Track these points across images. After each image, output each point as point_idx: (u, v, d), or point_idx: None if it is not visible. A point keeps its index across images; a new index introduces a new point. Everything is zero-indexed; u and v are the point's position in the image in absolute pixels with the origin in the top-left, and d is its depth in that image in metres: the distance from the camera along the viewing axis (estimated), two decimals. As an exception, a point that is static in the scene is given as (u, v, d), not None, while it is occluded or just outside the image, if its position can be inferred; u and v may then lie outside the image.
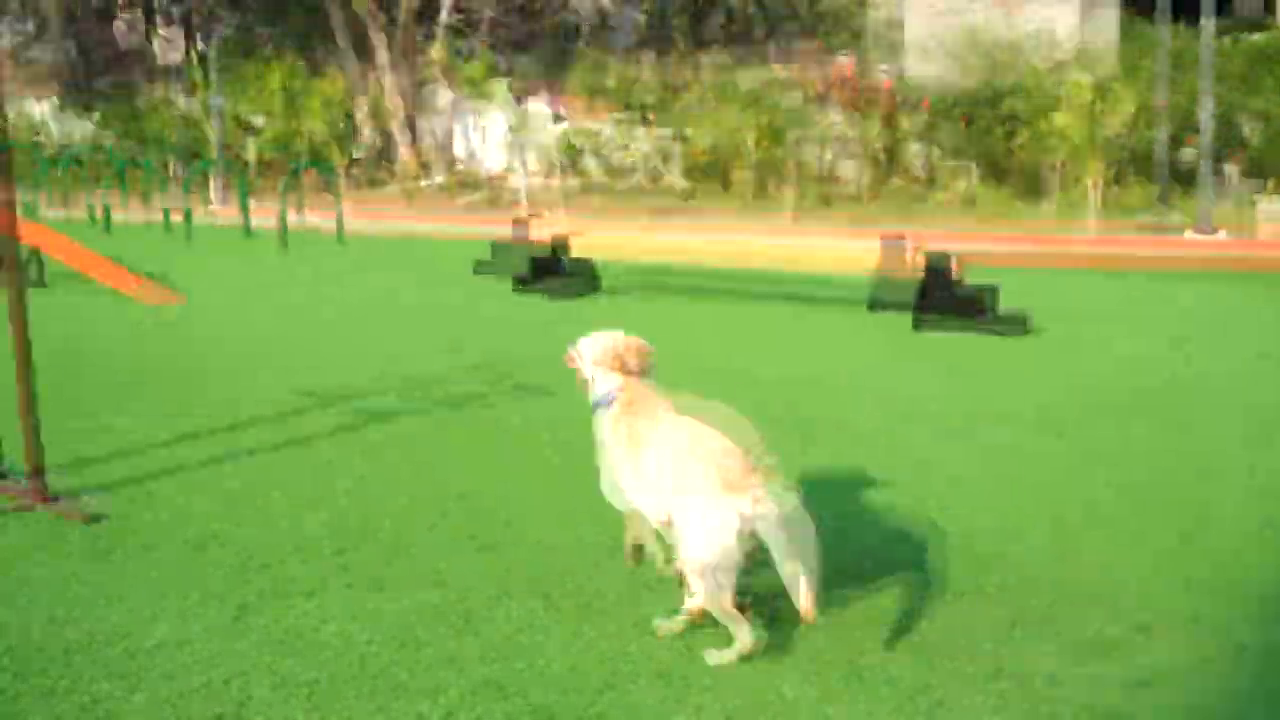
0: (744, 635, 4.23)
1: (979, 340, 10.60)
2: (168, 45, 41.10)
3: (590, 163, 25.98)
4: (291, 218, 18.84)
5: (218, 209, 24.15)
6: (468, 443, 7.29)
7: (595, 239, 14.29)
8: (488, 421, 7.82)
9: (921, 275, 11.32)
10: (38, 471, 6.15)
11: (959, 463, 6.80)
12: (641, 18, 32.77)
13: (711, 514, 4.20)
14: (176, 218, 20.55)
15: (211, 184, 25.67)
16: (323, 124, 23.51)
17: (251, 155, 25.72)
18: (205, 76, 26.69)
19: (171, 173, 26.29)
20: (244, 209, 19.99)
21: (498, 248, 14.74)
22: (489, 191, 26.49)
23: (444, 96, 28.90)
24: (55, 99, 37.45)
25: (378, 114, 27.74)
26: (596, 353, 4.86)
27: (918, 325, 11.09)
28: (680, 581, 4.49)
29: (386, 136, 29.20)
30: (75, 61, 39.16)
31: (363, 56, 29.90)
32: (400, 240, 19.85)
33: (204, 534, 5.67)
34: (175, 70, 38.26)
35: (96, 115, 37.28)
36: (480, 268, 14.83)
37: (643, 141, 25.78)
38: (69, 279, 14.17)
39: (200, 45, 38.63)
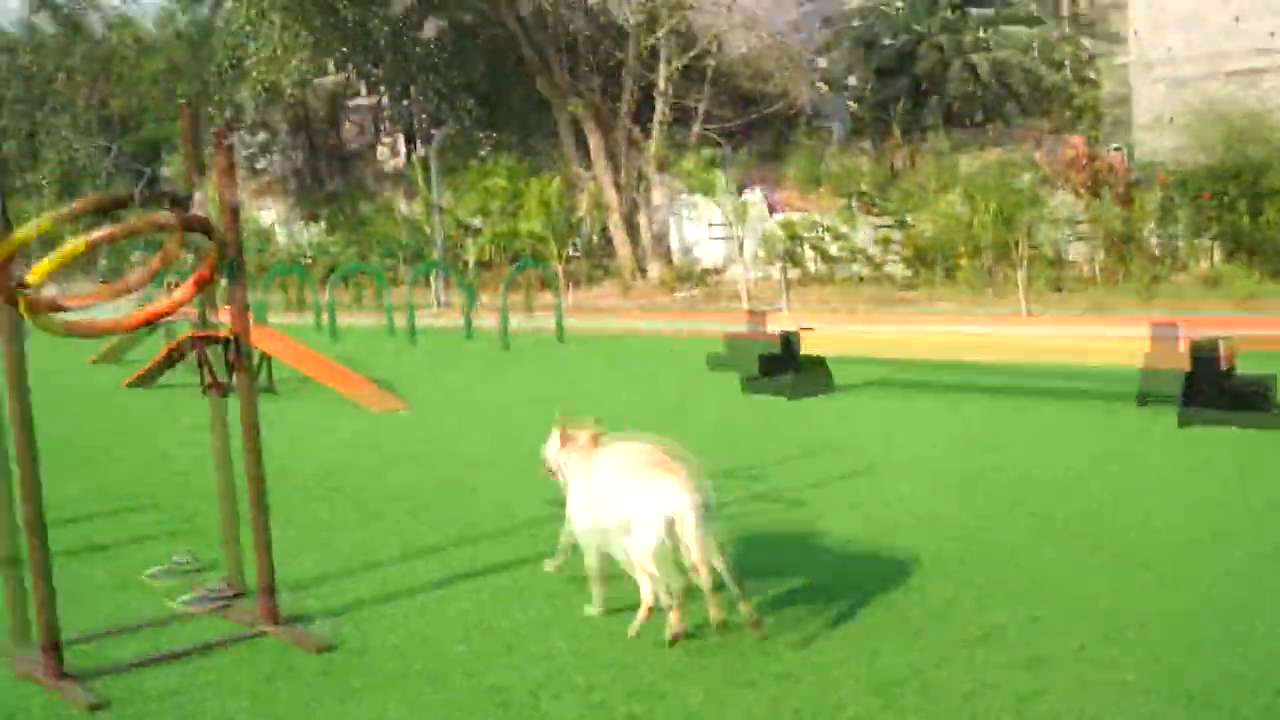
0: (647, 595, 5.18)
1: (1263, 437, 9.56)
2: (390, 150, 42.29)
3: (809, 253, 25.47)
4: (513, 318, 18.76)
5: (440, 310, 24.38)
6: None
7: (830, 333, 13.67)
8: (738, 532, 7.26)
9: (1188, 365, 10.35)
10: (269, 592, 5.84)
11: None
12: (855, 104, 32.33)
13: (642, 495, 5.13)
14: (400, 320, 20.74)
15: (434, 285, 25.97)
16: (541, 222, 23.57)
17: (472, 256, 25.97)
18: (426, 179, 27.15)
19: (395, 275, 26.69)
20: (466, 310, 20.03)
21: (733, 343, 14.22)
22: (707, 285, 26.17)
23: (660, 191, 28.82)
24: (283, 206, 38.88)
25: (595, 210, 27.81)
26: (551, 450, 5.95)
27: (1185, 421, 10.11)
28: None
29: (604, 232, 29.25)
30: (303, 169, 40.61)
31: (579, 153, 30.11)
32: (620, 337, 19.57)
33: (444, 664, 5.24)
34: (398, 175, 39.33)
35: (322, 221, 38.53)
36: (714, 361, 14.39)
37: (862, 230, 25.18)
38: (297, 383, 14.24)
39: (420, 149, 39.65)
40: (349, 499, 8.69)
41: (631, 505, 5.15)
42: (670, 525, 5.03)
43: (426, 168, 27.38)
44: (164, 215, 5.31)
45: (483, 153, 33.72)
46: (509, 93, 31.72)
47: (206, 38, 39.00)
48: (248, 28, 33.51)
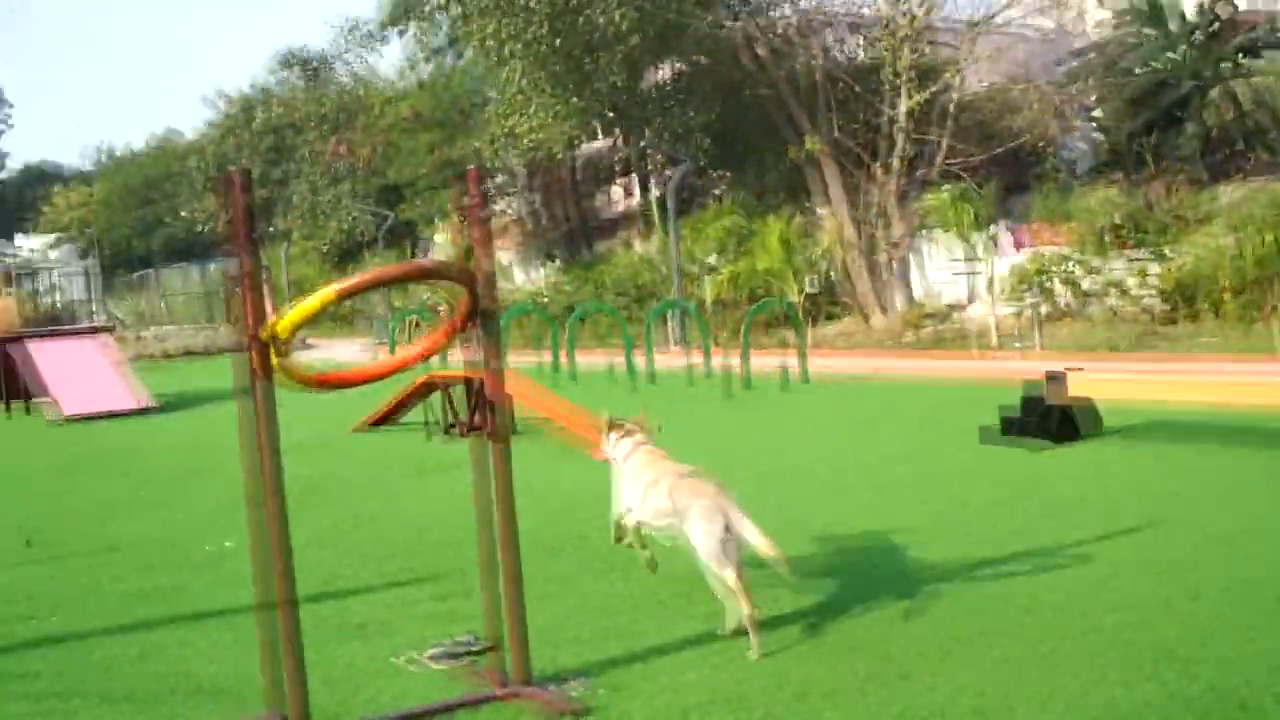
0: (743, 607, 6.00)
1: None
2: (623, 191, 42.60)
3: (1059, 288, 24.42)
4: (753, 357, 18.37)
5: (677, 349, 24.19)
6: (1030, 654, 6.22)
7: (1098, 376, 12.64)
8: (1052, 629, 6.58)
9: None
10: (520, 653, 5.60)
11: None
12: (1102, 135, 31.02)
13: (701, 512, 6.21)
14: (638, 360, 20.61)
15: (669, 325, 25.82)
16: (779, 260, 23.19)
17: (709, 295, 25.73)
18: (662, 219, 27.09)
19: (630, 315, 26.64)
20: (705, 349, 19.76)
21: (1028, 401, 12.01)
22: (949, 322, 25.36)
23: (899, 227, 28.13)
24: (519, 246, 39.50)
25: (832, 250, 27.29)
26: (611, 438, 7.15)
27: None
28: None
29: (841, 271, 28.71)
30: (539, 210, 41.22)
31: (816, 190, 29.67)
32: (863, 378, 18.95)
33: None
34: (630, 215, 39.57)
35: (557, 260, 38.99)
36: (1007, 420, 12.18)
37: (1115, 264, 24.02)
38: (536, 426, 14.14)
39: (654, 189, 39.80)
40: (583, 548, 8.45)
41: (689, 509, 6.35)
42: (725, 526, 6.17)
43: (663, 207, 27.31)
44: (429, 263, 5.12)
45: (716, 191, 33.61)
46: (743, 131, 31.48)
47: (447, 86, 40.01)
48: (488, 75, 34.30)
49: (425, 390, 15.21)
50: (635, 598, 7.10)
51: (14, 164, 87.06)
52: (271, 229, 55.80)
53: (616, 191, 42.99)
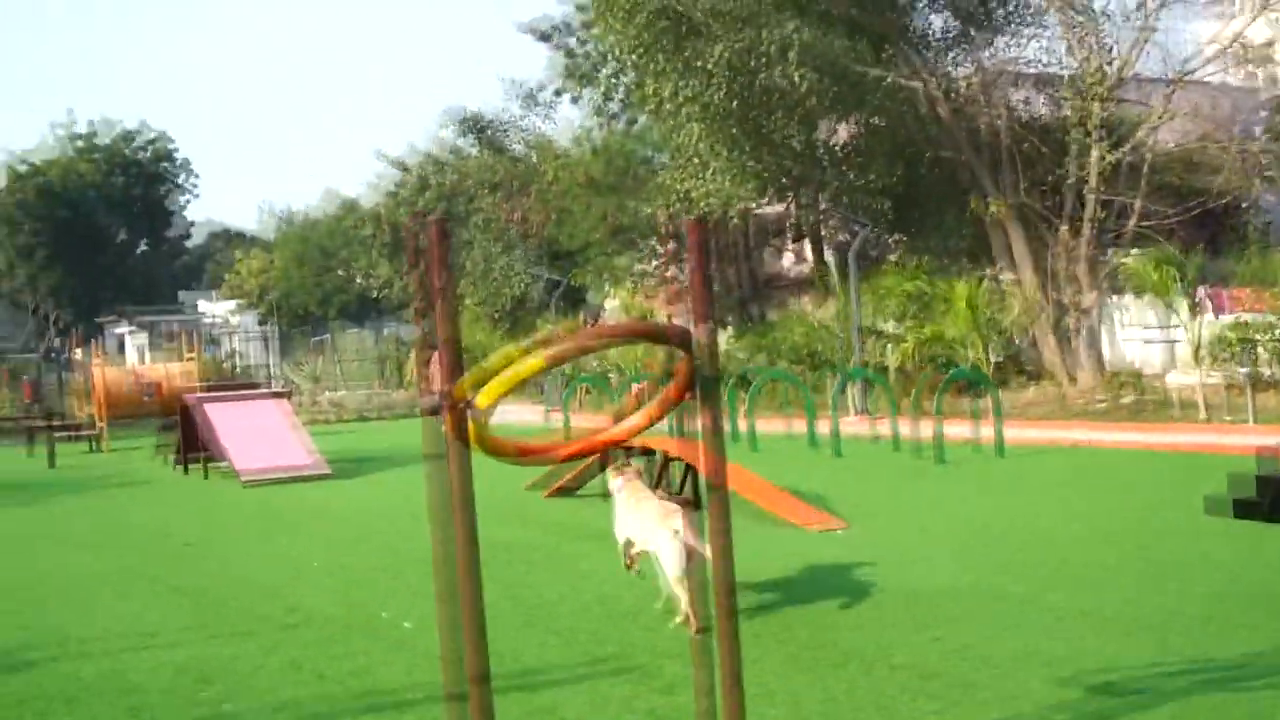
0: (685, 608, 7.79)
1: None
2: (795, 256, 41.94)
3: (1263, 355, 22.97)
4: (940, 429, 17.47)
5: (859, 418, 23.36)
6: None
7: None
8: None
9: None
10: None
11: None
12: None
13: (666, 534, 7.95)
14: (820, 429, 19.88)
15: (849, 393, 25.01)
16: (966, 328, 22.22)
17: (893, 362, 24.86)
18: (843, 284, 26.35)
19: (808, 383, 25.87)
20: (893, 419, 18.95)
21: (1264, 481, 10.98)
22: (1145, 392, 24.06)
23: (1090, 293, 26.96)
24: (688, 314, 39.05)
25: (1020, 315, 26.20)
26: (609, 474, 9.07)
27: None
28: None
29: (1027, 336, 27.60)
30: (711, 275, 40.72)
31: (1002, 254, 28.67)
32: (1061, 450, 17.89)
33: None
34: (804, 280, 38.87)
35: (729, 327, 38.44)
36: (1241, 502, 11.12)
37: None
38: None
39: (826, 253, 39.06)
40: (788, 638, 7.75)
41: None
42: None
43: (842, 272, 26.57)
44: (646, 325, 4.55)
45: (892, 256, 32.71)
46: (922, 192, 30.65)
47: (620, 150, 39.95)
48: (662, 139, 34.12)
49: (605, 456, 14.70)
50: (858, 699, 6.39)
51: (193, 216, 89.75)
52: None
53: (789, 256, 42.36)
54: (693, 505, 8.47)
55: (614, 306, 45.11)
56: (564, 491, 15.18)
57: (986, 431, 17.93)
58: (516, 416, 34.44)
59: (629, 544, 8.55)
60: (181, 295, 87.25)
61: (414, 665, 7.60)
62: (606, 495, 9.19)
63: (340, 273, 76.47)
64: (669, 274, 41.03)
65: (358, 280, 74.45)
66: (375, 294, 67.66)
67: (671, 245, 40.47)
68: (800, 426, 20.73)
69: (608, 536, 11.69)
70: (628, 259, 39.38)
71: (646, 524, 8.21)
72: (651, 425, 5.27)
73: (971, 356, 22.62)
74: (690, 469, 13.53)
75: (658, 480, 13.60)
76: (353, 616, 9.15)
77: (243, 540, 13.46)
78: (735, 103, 27.07)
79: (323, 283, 77.58)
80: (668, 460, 13.50)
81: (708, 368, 4.91)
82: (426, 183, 60.58)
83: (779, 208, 38.39)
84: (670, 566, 7.89)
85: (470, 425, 4.40)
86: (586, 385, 32.55)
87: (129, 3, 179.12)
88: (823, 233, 38.23)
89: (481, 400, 4.44)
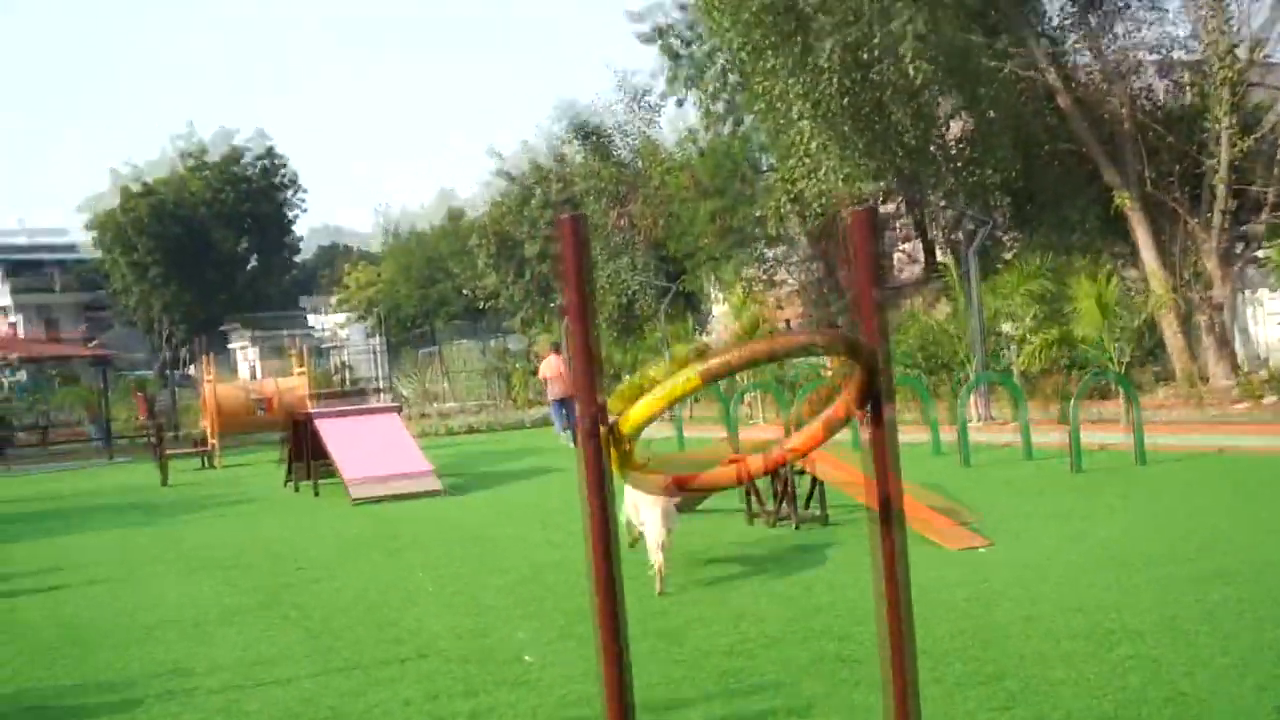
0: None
1: None
2: (906, 256, 40.96)
3: None
4: (1076, 435, 16.57)
5: (983, 424, 22.47)
6: None
7: None
8: None
9: None
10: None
11: None
12: None
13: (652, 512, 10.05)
14: (944, 436, 19.09)
15: (973, 398, 24.11)
16: (1096, 328, 21.19)
17: (1019, 365, 23.88)
18: (961, 284, 25.43)
19: (928, 388, 24.99)
20: (1023, 426, 18.08)
21: None
22: (1286, 390, 22.87)
23: (1223, 287, 25.79)
24: (799, 319, 38.28)
25: (1150, 312, 25.07)
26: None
27: None
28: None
29: (1153, 334, 26.46)
30: (820, 281, 39.94)
31: (1127, 248, 27.60)
32: (1206, 455, 16.85)
33: None
34: (917, 283, 37.91)
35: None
36: None
37: None
38: (847, 512, 12.86)
39: (939, 253, 38.03)
40: (949, 673, 7.08)
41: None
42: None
43: (963, 272, 25.64)
44: (814, 335, 3.96)
45: (1006, 255, 31.62)
46: (1041, 187, 29.63)
47: (728, 153, 39.30)
48: (771, 140, 33.41)
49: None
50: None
51: (303, 227, 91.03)
52: (553, 305, 56.19)
53: (900, 257, 41.37)
54: (672, 495, 9.63)
55: (721, 312, 44.41)
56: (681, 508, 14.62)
57: (1114, 438, 16.97)
58: (649, 430, 33.90)
59: (629, 523, 10.78)
60: (303, 301, 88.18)
61: (539, 707, 7.07)
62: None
63: (447, 284, 76.76)
64: (777, 278, 40.27)
65: (464, 292, 74.66)
66: (481, 304, 67.67)
67: (781, 248, 39.73)
68: (918, 434, 19.94)
69: (750, 554, 11.13)
70: (735, 263, 38.68)
71: (641, 508, 10.31)
72: (816, 447, 4.65)
73: (1103, 357, 21.55)
74: (817, 482, 12.90)
75: (780, 499, 12.98)
76: (471, 648, 8.65)
77: (356, 562, 13.04)
78: (846, 99, 26.35)
79: (429, 294, 77.95)
80: (815, 483, 12.90)
81: (882, 383, 4.27)
82: (531, 191, 60.49)
83: (889, 207, 37.47)
84: (653, 538, 10.04)
85: (614, 456, 3.85)
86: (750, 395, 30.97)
87: (243, 9, 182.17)
88: (932, 233, 37.28)
89: (626, 423, 3.89)
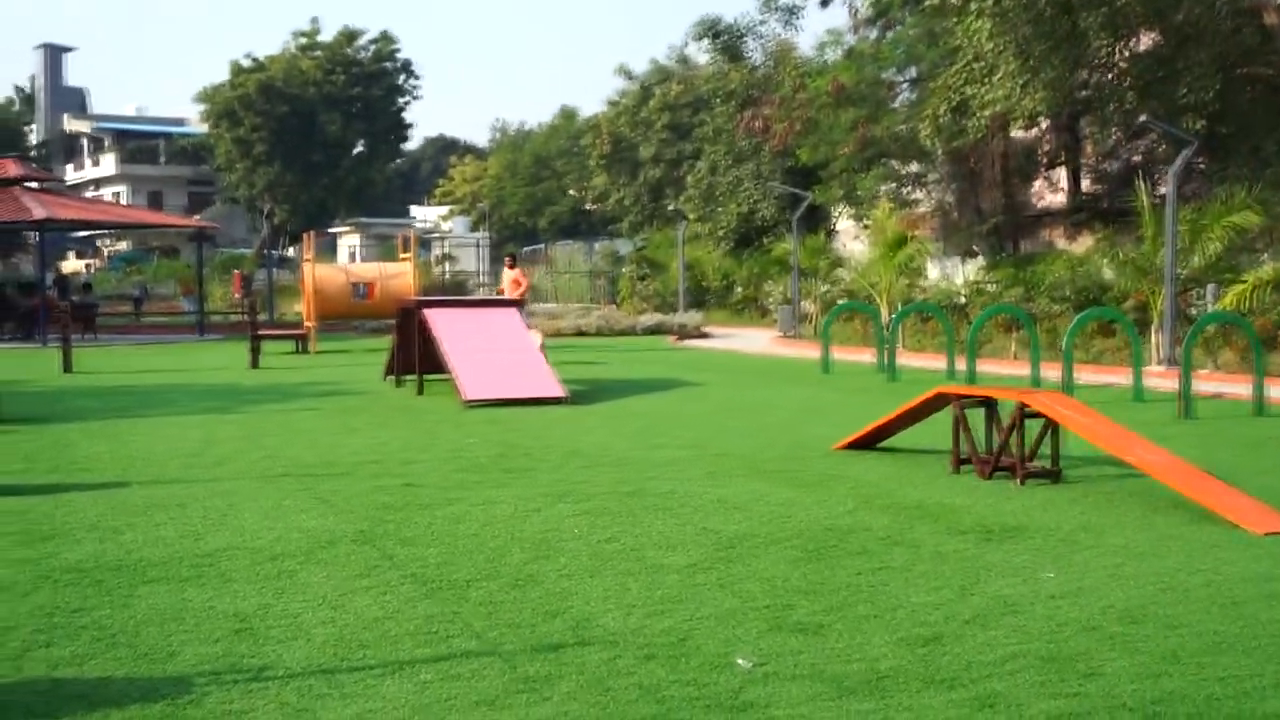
0: None
1: None
2: (1047, 186, 37.60)
3: None
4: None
5: (1166, 370, 19.69)
6: None
7: None
8: None
9: None
10: None
11: None
12: None
13: None
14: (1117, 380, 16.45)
15: (1154, 341, 21.32)
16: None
17: (1225, 306, 20.85)
18: (1153, 214, 22.43)
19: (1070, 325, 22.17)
20: (1259, 376, 15.31)
21: None
22: None
23: None
24: (933, 242, 35.24)
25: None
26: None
27: None
28: None
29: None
30: (959, 203, 36.89)
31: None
32: None
33: None
34: (1067, 211, 34.78)
35: (979, 258, 34.65)
36: None
37: None
38: (1088, 467, 10.32)
39: (1083, 183, 34.84)
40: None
41: None
42: None
43: (1162, 200, 22.65)
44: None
45: (1184, 188, 28.46)
46: (1237, 113, 26.51)
47: (874, 58, 36.26)
48: (934, 42, 30.50)
49: (930, 408, 11.59)
50: None
51: (418, 136, 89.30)
52: (670, 209, 53.58)
53: (1040, 183, 37.86)
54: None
55: (846, 228, 41.49)
56: (861, 444, 12.17)
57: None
58: (744, 343, 31.35)
59: None
60: (414, 211, 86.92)
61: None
62: None
63: (553, 182, 74.36)
64: (912, 196, 37.15)
65: (571, 192, 72.22)
66: (589, 206, 65.32)
67: (915, 166, 36.64)
68: (1093, 376, 17.28)
69: (958, 521, 8.45)
70: (876, 176, 35.72)
71: None
72: None
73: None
74: (1052, 425, 10.32)
75: (1000, 447, 10.46)
76: (652, 636, 6.17)
77: (475, 484, 10.65)
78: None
79: (535, 193, 75.68)
80: (1023, 415, 10.31)
81: None
82: (650, 91, 57.66)
83: (1033, 132, 34.14)
84: None
85: None
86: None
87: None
88: (1083, 160, 34.11)
89: None
